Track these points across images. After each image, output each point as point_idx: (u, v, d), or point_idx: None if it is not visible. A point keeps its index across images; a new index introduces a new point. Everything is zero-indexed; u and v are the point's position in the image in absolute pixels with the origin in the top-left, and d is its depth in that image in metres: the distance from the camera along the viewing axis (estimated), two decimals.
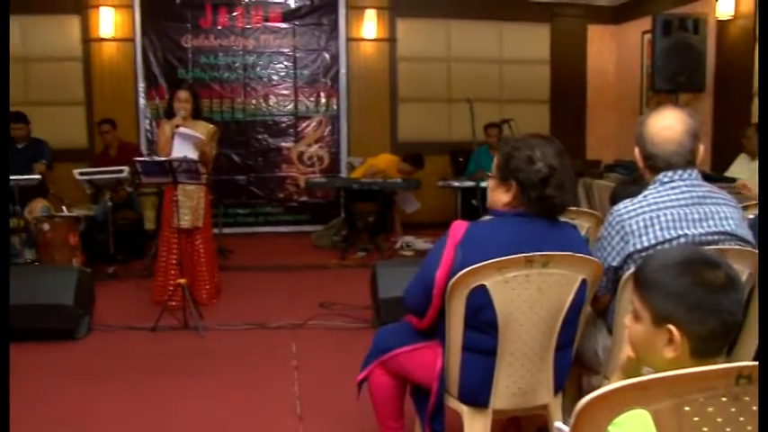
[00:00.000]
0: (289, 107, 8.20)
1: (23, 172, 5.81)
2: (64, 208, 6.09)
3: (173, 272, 4.91)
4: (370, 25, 8.14)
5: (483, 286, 2.05)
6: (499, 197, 2.16)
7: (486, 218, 2.23)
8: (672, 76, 6.37)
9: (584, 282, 2.15)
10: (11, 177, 5.56)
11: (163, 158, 4.64)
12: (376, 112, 8.29)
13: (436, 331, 2.25)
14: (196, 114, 5.08)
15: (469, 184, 6.72)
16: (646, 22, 7.53)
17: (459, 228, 2.13)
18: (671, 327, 1.29)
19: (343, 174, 7.96)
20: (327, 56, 8.16)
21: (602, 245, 2.26)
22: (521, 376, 2.18)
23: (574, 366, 2.39)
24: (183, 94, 4.96)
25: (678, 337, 1.28)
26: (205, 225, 5.08)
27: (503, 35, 8.46)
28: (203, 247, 5.07)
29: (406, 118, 8.39)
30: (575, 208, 2.99)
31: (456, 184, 6.69)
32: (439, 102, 8.37)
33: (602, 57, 8.85)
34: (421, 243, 7.12)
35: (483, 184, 2.29)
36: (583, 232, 2.93)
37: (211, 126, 5.16)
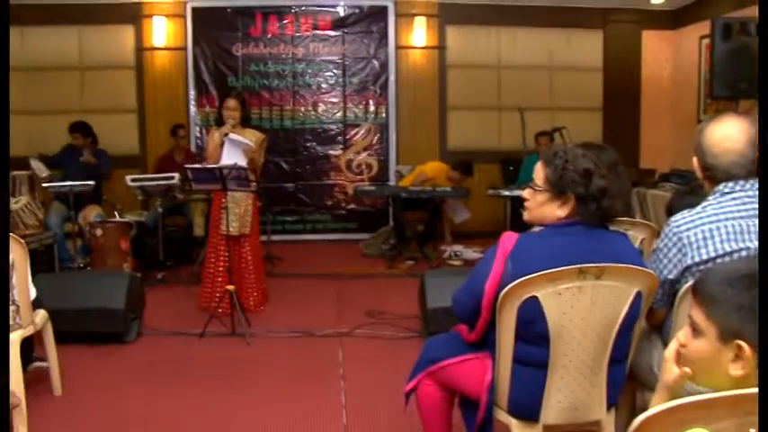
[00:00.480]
0: (337, 115, 8.26)
1: (83, 179, 5.96)
2: (116, 214, 6.26)
3: (220, 278, 4.97)
4: (419, 33, 8.15)
5: (535, 298, 2.02)
6: (552, 212, 2.13)
7: (537, 229, 2.20)
8: (732, 82, 6.19)
9: (638, 294, 2.11)
10: (69, 183, 5.73)
11: (213, 165, 4.71)
12: (425, 120, 8.30)
13: (486, 342, 2.22)
14: (245, 122, 5.13)
15: (519, 193, 6.61)
16: (704, 27, 7.35)
17: (509, 239, 2.11)
18: (741, 343, 1.24)
19: (392, 182, 7.99)
20: (376, 63, 8.20)
21: (658, 257, 2.21)
22: (572, 391, 2.14)
23: (628, 382, 2.34)
24: (231, 102, 5.02)
25: (749, 353, 1.23)
26: (253, 232, 5.13)
27: (554, 42, 8.37)
28: (251, 254, 5.12)
29: (455, 126, 8.37)
30: (629, 219, 2.92)
31: (506, 193, 6.60)
32: (489, 110, 8.33)
33: (657, 63, 8.67)
34: (470, 252, 7.07)
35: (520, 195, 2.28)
36: (637, 244, 2.87)
37: (260, 133, 5.22)
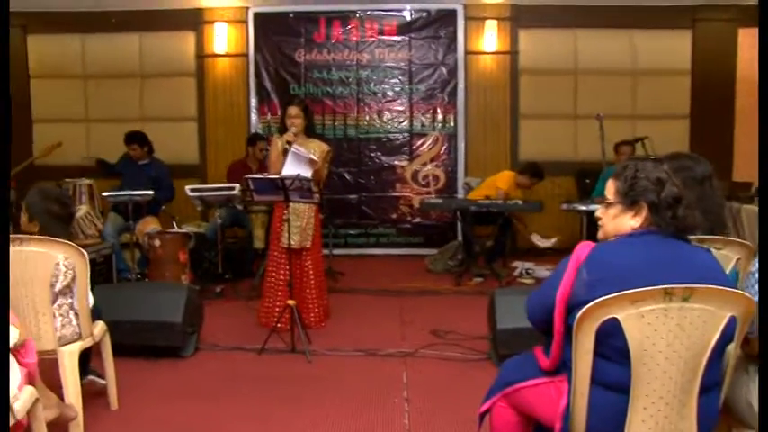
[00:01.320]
0: (403, 124, 8.30)
1: (140, 189, 6.12)
2: (174, 225, 6.41)
3: (281, 293, 5.03)
4: (490, 37, 8.13)
5: (614, 319, 1.97)
6: (626, 223, 2.15)
7: (613, 239, 2.18)
8: None
9: (732, 319, 2.02)
10: (128, 193, 5.91)
11: (275, 176, 4.74)
12: (495, 129, 8.25)
13: (561, 364, 2.18)
14: (309, 131, 5.17)
15: (597, 207, 6.44)
16: None
17: (584, 248, 2.11)
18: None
19: (460, 195, 7.96)
20: (444, 70, 8.21)
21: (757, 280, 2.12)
22: (657, 422, 2.07)
23: (722, 417, 2.24)
24: (293, 110, 5.07)
25: None
26: (315, 245, 5.18)
27: (636, 44, 8.19)
28: (313, 269, 5.16)
29: (527, 135, 8.28)
30: (722, 237, 2.81)
31: (582, 207, 6.44)
32: (564, 118, 8.21)
33: (754, 64, 8.33)
34: (542, 270, 6.96)
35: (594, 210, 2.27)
36: (732, 264, 2.75)
37: (325, 146, 5.24)
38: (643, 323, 1.97)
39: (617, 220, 2.19)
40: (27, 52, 8.37)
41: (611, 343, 2.00)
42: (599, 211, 2.26)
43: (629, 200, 2.14)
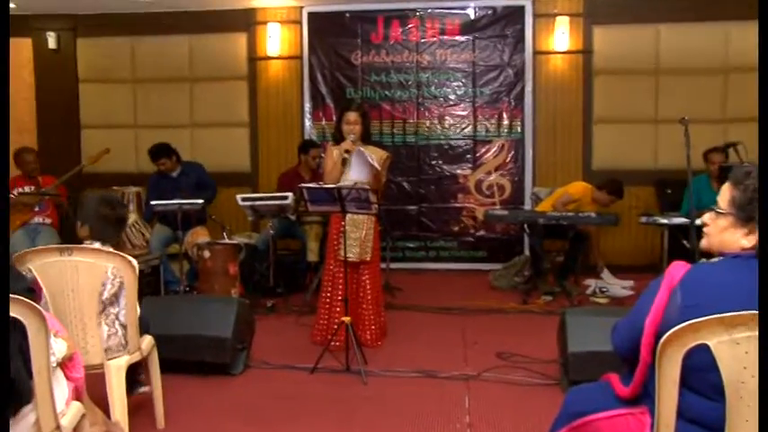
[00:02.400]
0: (466, 130, 8.27)
1: (182, 198, 6.20)
2: (224, 235, 6.50)
3: (337, 309, 5.05)
4: (561, 35, 8.02)
5: (705, 346, 1.90)
6: (735, 241, 2.03)
7: (714, 259, 2.09)
8: None
9: None
10: (177, 201, 6.02)
11: (332, 185, 4.77)
12: (567, 135, 8.12)
13: (644, 395, 2.12)
14: (366, 138, 5.21)
15: (680, 221, 6.24)
16: None
17: (678, 269, 2.02)
18: None
19: (528, 206, 7.89)
20: (511, 71, 8.16)
21: None
22: None
23: None
24: (352, 116, 5.10)
25: None
26: (373, 259, 5.19)
27: (730, 38, 7.86)
28: (370, 284, 5.17)
29: (602, 142, 8.12)
30: None
31: (663, 221, 6.26)
32: (643, 122, 8.01)
33: None
34: (618, 289, 6.83)
35: (699, 222, 2.16)
36: None
37: (384, 152, 5.28)
38: (738, 351, 1.88)
39: (725, 234, 2.06)
40: (76, 56, 8.63)
41: (705, 377, 1.92)
42: (707, 216, 2.12)
43: (746, 214, 2.00)
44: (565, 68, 8.11)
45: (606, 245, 7.66)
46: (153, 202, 6.25)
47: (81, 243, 3.36)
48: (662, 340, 1.94)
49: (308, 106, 8.40)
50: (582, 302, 6.54)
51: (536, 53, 8.11)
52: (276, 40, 8.36)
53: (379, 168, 4.97)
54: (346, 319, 4.67)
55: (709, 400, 1.94)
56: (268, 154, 8.43)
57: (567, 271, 7.01)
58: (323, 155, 5.92)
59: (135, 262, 3.32)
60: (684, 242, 6.12)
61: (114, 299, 3.29)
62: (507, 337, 5.36)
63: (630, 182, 7.43)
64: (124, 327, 3.34)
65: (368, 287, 5.16)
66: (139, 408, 3.78)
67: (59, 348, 2.55)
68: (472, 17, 8.20)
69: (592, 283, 7.03)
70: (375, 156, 5.08)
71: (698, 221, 2.57)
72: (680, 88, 7.91)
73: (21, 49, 8.49)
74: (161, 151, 6.81)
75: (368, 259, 5.12)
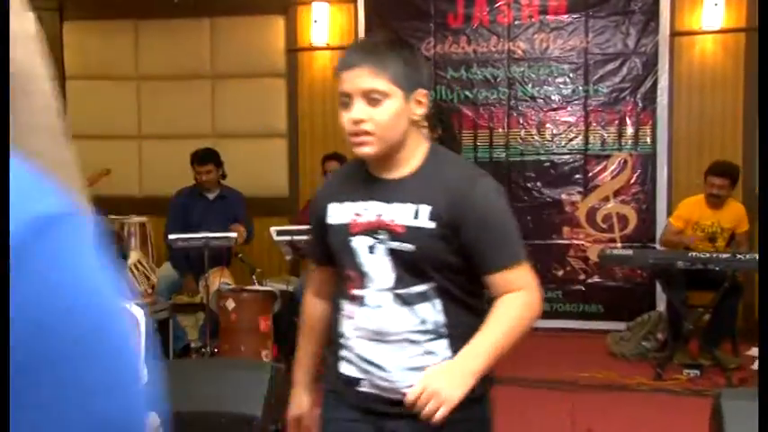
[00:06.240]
0: (575, 141, 8.16)
1: (212, 230, 6.26)
2: (254, 279, 6.43)
3: None
4: (711, 8, 7.78)
5: None
6: None
7: None
8: None
9: None
10: (204, 235, 6.07)
11: None
12: (719, 147, 7.89)
13: None
14: None
15: None
16: None
17: None
18: None
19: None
20: (638, 62, 8.00)
21: None
22: None
23: None
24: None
25: None
26: None
27: None
28: None
29: None
30: None
31: None
32: None
33: None
34: None
35: None
36: None
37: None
38: None
39: None
40: (63, 45, 8.75)
41: None
42: None
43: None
44: (719, 55, 7.93)
45: None
46: (172, 237, 6.24)
47: None
48: None
49: None
50: (744, 381, 6.31)
51: (674, 34, 7.93)
52: (323, 26, 8.38)
53: None
54: None
55: None
56: (311, 173, 8.37)
57: (720, 334, 6.83)
58: None
59: (140, 313, 3.19)
60: None
61: None
62: (635, 424, 5.36)
63: None
64: None
65: None
66: None
67: None
68: None
69: (756, 352, 6.74)
70: None
71: None
72: None
73: None
74: (209, 156, 6.99)
75: None
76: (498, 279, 2.36)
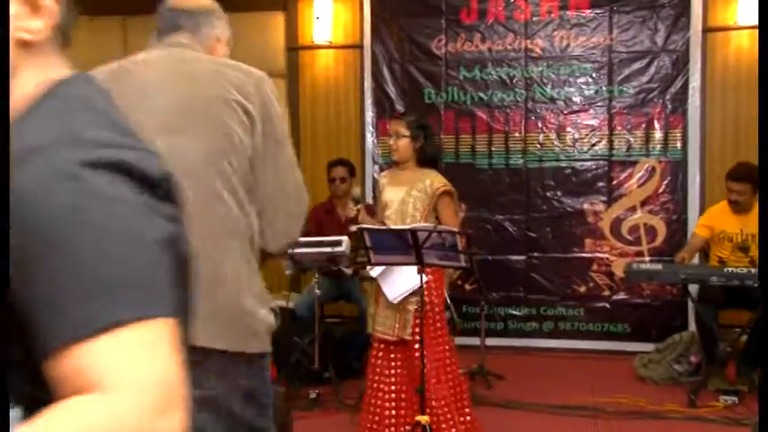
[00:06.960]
0: (598, 146, 8.09)
1: None
2: None
3: (403, 402, 5.04)
4: (747, 2, 7.62)
5: None
6: None
7: None
8: None
9: None
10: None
11: (404, 226, 4.80)
12: (755, 151, 7.60)
13: None
14: (422, 157, 5.29)
15: None
16: None
17: None
18: None
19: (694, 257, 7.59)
20: (668, 60, 7.92)
21: None
22: None
23: None
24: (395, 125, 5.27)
25: None
26: (437, 332, 5.13)
27: None
28: (440, 369, 5.09)
29: None
30: None
31: None
32: None
33: None
34: None
35: None
36: None
37: (440, 182, 5.26)
38: None
39: None
40: None
41: None
42: None
43: None
44: (754, 51, 7.69)
45: None
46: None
47: None
48: None
49: (370, 114, 8.40)
50: None
51: (707, 30, 7.87)
52: (326, 22, 8.34)
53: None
54: (422, 419, 4.59)
55: None
56: (313, 180, 8.20)
57: (759, 357, 6.58)
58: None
59: None
60: None
61: None
62: None
63: None
64: None
65: (442, 373, 5.09)
66: None
67: None
68: None
69: None
70: (429, 185, 5.13)
71: None
72: None
73: None
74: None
75: (407, 338, 5.03)
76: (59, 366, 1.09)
